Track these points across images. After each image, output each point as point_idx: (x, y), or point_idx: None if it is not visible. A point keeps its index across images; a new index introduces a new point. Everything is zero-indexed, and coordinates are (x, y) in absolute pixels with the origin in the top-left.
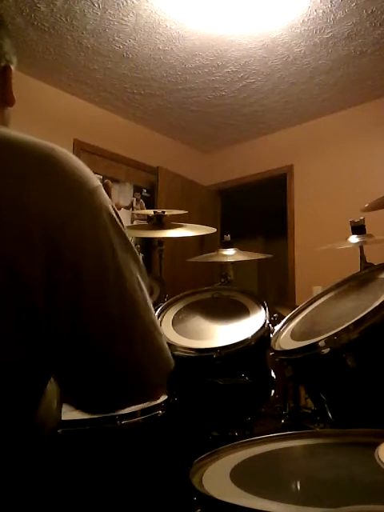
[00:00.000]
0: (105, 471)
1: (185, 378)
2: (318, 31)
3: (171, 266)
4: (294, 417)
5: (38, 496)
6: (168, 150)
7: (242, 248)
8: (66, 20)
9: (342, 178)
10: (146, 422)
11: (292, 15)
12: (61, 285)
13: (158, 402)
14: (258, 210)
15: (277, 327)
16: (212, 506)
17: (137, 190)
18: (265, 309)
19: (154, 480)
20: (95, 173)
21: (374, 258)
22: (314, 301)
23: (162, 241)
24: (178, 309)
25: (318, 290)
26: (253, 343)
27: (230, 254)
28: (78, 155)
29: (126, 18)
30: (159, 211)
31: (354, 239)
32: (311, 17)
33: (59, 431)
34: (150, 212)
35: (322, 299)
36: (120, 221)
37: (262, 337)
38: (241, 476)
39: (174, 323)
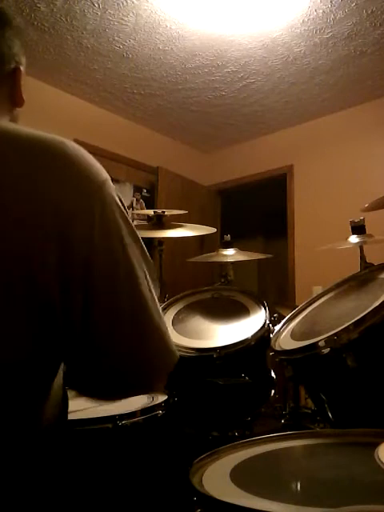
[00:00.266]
0: (105, 471)
1: (185, 377)
2: (318, 31)
3: (171, 266)
4: (294, 417)
5: (39, 495)
6: (168, 150)
7: (242, 248)
8: (66, 20)
9: (342, 178)
10: (146, 421)
11: (292, 15)
12: (73, 280)
13: (158, 401)
14: (258, 210)
15: (277, 327)
16: (212, 506)
17: (137, 189)
18: (265, 309)
19: (154, 480)
20: None
21: (374, 258)
22: (314, 301)
23: (161, 241)
24: (178, 309)
25: (318, 289)
26: (253, 343)
27: (230, 253)
28: None
29: (125, 18)
30: (159, 211)
31: (353, 239)
32: (311, 17)
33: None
34: (150, 212)
35: (322, 299)
36: (127, 214)
37: (262, 337)
38: (241, 476)
39: (174, 323)
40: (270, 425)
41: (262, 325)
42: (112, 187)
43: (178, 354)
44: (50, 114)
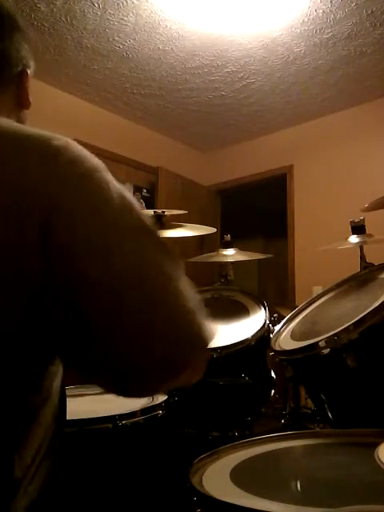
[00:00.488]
0: (105, 471)
1: None
2: (318, 31)
3: None
4: (294, 417)
5: (40, 495)
6: (168, 150)
7: (242, 248)
8: (66, 20)
9: (342, 178)
10: (146, 421)
11: (292, 15)
12: (57, 272)
13: (158, 401)
14: (258, 210)
15: (277, 327)
16: (212, 505)
17: (137, 190)
18: (265, 309)
19: (154, 480)
20: None
21: (374, 258)
22: (314, 301)
23: None
24: None
25: (318, 290)
26: (253, 343)
27: (230, 254)
28: None
29: (125, 18)
30: (159, 211)
31: (353, 239)
32: (311, 17)
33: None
34: (150, 212)
35: (322, 299)
36: (130, 200)
37: (262, 337)
38: (241, 476)
39: None
40: (270, 425)
41: (262, 325)
42: (103, 177)
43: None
44: (49, 114)
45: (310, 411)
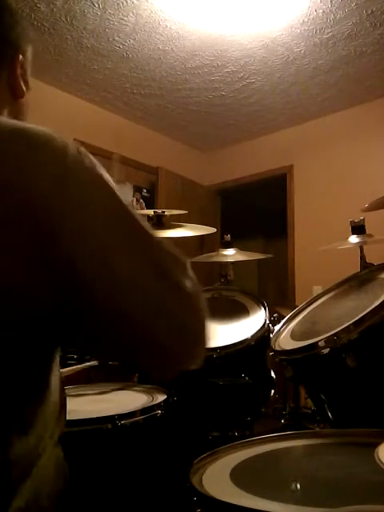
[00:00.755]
0: (104, 471)
1: (185, 377)
2: (318, 31)
3: None
4: (294, 417)
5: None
6: (168, 150)
7: (242, 248)
8: (66, 20)
9: (342, 178)
10: (146, 421)
11: (292, 15)
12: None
13: (158, 401)
14: (258, 210)
15: (277, 327)
16: (212, 506)
17: (137, 190)
18: (265, 309)
19: (153, 480)
20: None
21: (374, 258)
22: (314, 301)
23: None
24: None
25: (318, 289)
26: (253, 343)
27: (230, 254)
28: None
29: (125, 18)
30: (159, 211)
31: (353, 239)
32: (311, 17)
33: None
34: (150, 212)
35: (322, 299)
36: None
37: (262, 337)
38: (241, 476)
39: None
40: (269, 425)
41: (261, 325)
42: (82, 161)
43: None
44: (49, 114)
45: (310, 411)
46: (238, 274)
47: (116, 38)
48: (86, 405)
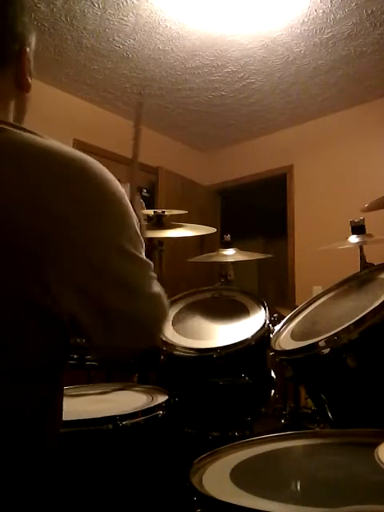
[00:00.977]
0: (105, 471)
1: (185, 377)
2: (318, 31)
3: (171, 266)
4: (294, 417)
5: (40, 495)
6: (168, 150)
7: (242, 248)
8: (66, 20)
9: (342, 178)
10: (147, 422)
11: (292, 15)
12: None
13: (159, 402)
14: (258, 210)
15: (277, 327)
16: (212, 506)
17: (137, 189)
18: (265, 309)
19: (154, 480)
20: None
21: (374, 258)
22: (314, 301)
23: (161, 241)
24: (179, 309)
25: (318, 289)
26: (253, 343)
27: (230, 254)
28: None
29: (125, 18)
30: (159, 211)
31: (353, 239)
32: (311, 17)
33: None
34: (150, 212)
35: (322, 299)
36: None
37: (262, 337)
38: (241, 476)
39: (174, 323)
40: (269, 425)
41: (262, 325)
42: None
43: (177, 355)
44: (49, 114)
45: (310, 411)
46: (238, 273)
47: (116, 38)
48: (86, 405)
